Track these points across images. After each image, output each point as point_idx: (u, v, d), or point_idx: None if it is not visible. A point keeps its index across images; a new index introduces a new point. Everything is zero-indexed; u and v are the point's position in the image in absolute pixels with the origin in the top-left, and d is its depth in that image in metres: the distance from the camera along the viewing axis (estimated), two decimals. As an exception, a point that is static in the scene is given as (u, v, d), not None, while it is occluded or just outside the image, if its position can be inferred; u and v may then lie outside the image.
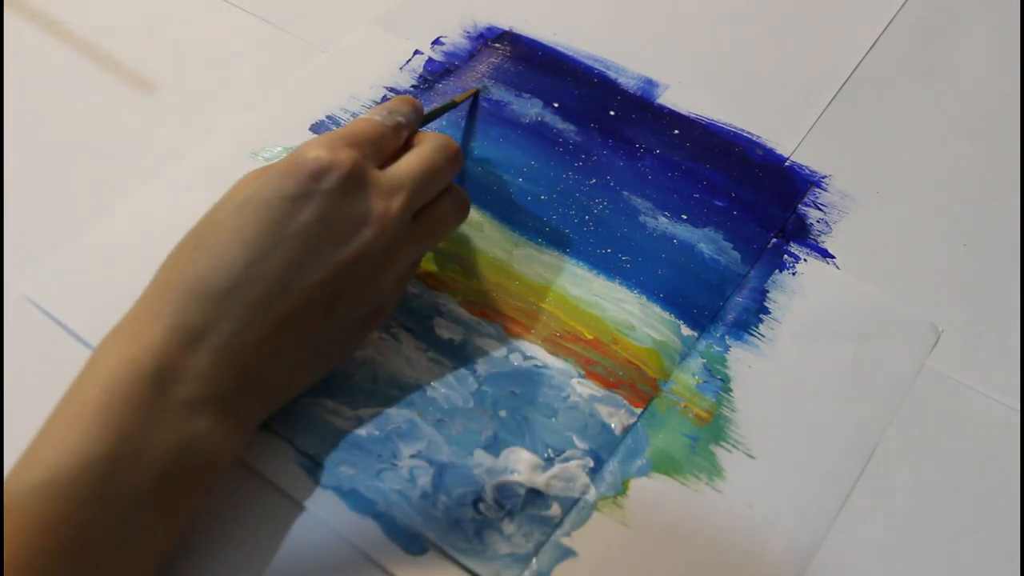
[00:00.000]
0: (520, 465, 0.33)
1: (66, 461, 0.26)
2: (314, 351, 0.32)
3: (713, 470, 0.34)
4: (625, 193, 0.42)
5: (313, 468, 0.33)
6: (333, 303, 0.31)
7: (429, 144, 0.35)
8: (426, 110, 0.39)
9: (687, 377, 0.36)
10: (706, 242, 0.40)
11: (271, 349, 0.30)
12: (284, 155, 0.42)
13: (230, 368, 0.29)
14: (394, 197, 0.32)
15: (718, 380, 0.36)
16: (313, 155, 0.31)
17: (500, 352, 0.36)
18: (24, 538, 0.25)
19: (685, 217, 0.41)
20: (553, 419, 0.34)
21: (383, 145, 0.34)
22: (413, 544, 0.31)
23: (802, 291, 0.39)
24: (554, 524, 0.32)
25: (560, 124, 0.44)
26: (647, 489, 0.33)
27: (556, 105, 0.45)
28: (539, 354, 0.36)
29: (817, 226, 0.41)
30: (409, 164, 0.34)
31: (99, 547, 0.26)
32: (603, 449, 0.34)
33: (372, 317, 0.34)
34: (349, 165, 0.31)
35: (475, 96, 0.45)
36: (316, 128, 0.44)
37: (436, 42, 0.48)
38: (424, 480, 0.33)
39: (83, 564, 0.26)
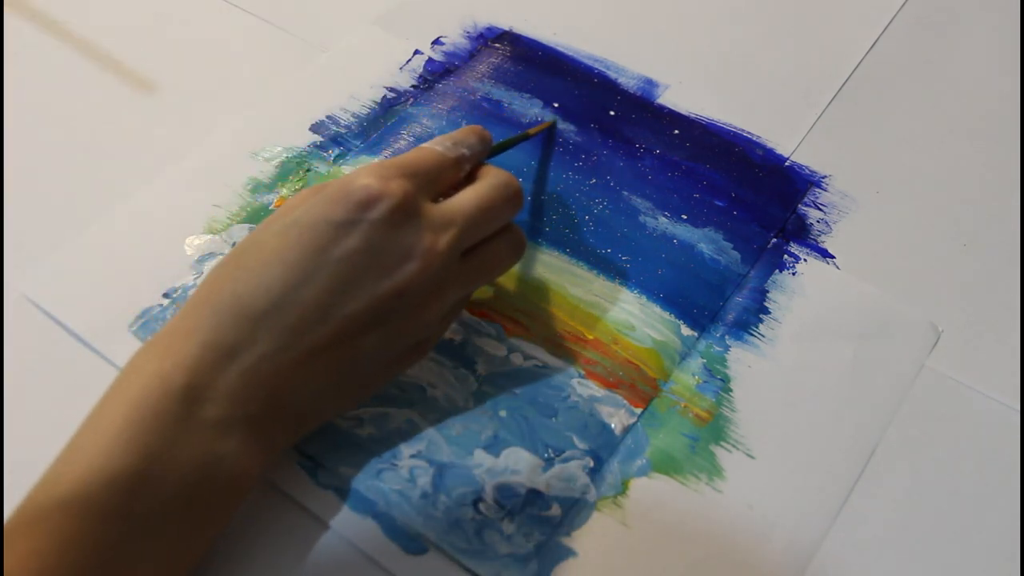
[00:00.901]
0: (520, 465, 0.33)
1: (92, 476, 0.26)
2: (349, 380, 0.31)
3: (713, 470, 0.34)
4: (625, 193, 0.42)
5: (313, 468, 0.33)
6: (371, 334, 0.30)
7: (489, 181, 0.34)
8: (496, 141, 0.37)
9: (687, 377, 0.36)
10: (706, 242, 0.40)
11: (304, 374, 0.30)
12: (284, 155, 0.43)
13: (260, 390, 0.29)
14: (443, 233, 0.31)
15: (718, 380, 0.36)
16: (363, 183, 0.30)
17: (500, 352, 0.36)
18: (49, 553, 0.25)
19: (685, 217, 0.41)
20: (553, 419, 0.34)
21: (441, 177, 0.33)
22: (413, 544, 0.31)
23: (802, 291, 0.39)
24: (554, 524, 0.32)
25: (560, 124, 0.44)
26: (647, 489, 0.33)
27: (556, 105, 0.45)
28: (539, 354, 0.36)
29: (817, 226, 0.41)
30: (464, 200, 0.33)
31: (122, 563, 0.26)
32: (603, 449, 0.34)
33: (414, 351, 0.33)
34: (399, 196, 0.30)
35: (551, 129, 0.44)
36: (316, 128, 0.44)
37: (436, 42, 0.48)
38: (424, 480, 0.33)
39: None
